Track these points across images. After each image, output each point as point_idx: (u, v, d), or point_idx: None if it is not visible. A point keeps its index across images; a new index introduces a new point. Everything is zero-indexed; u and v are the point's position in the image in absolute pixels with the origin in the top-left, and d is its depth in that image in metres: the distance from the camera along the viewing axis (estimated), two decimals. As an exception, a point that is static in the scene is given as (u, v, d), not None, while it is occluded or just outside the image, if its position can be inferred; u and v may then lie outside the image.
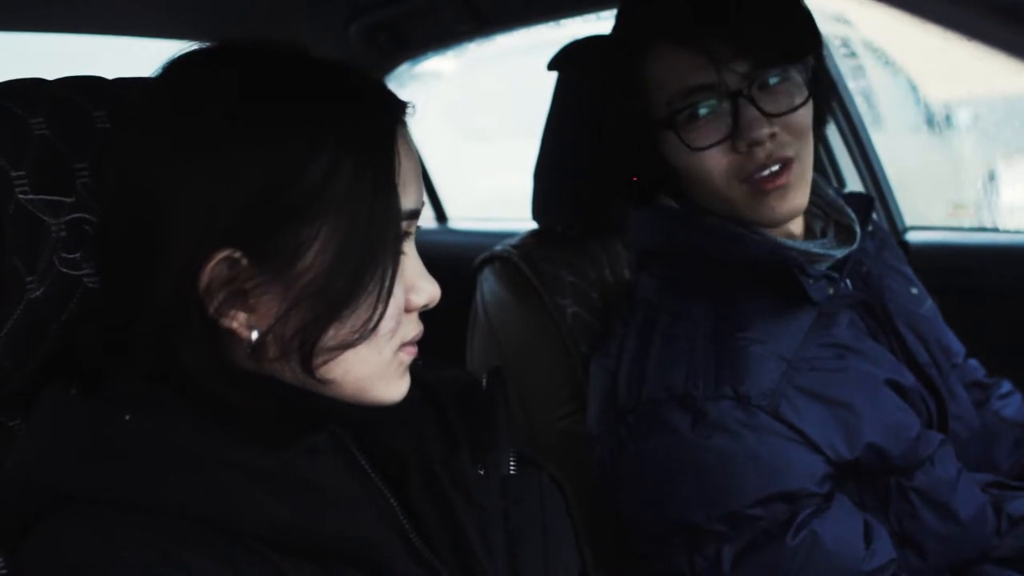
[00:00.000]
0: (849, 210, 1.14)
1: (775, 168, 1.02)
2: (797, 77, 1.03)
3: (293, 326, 0.65)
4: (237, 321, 0.65)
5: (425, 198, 0.73)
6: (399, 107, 0.70)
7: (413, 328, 0.72)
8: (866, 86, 2.06)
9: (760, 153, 1.01)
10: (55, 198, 0.68)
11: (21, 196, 0.66)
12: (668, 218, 1.13)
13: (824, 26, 1.10)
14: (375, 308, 0.66)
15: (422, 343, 0.73)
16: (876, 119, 2.00)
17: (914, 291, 1.23)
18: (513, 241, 1.35)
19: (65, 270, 0.69)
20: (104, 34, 1.72)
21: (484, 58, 2.91)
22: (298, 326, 0.65)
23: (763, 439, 0.98)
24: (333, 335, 0.66)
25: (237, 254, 0.64)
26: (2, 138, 0.67)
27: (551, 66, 1.31)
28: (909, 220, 1.88)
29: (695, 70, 1.01)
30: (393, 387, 0.71)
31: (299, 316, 0.65)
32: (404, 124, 0.71)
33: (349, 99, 0.67)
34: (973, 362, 1.29)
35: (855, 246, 1.11)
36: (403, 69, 2.09)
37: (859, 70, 2.06)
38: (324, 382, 0.68)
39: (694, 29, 1.00)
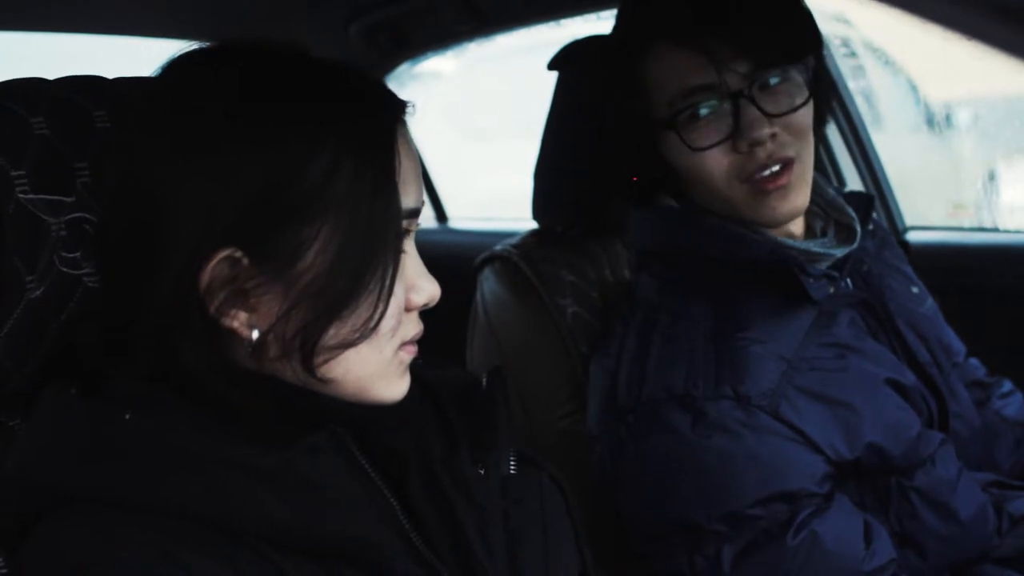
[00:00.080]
0: (849, 209, 1.14)
1: (776, 168, 1.02)
2: (797, 77, 1.03)
3: (294, 325, 0.65)
4: (238, 321, 0.65)
5: (425, 197, 0.73)
6: (399, 107, 0.70)
7: (413, 327, 0.72)
8: (866, 86, 2.06)
9: (761, 153, 1.02)
10: (55, 198, 0.68)
11: (21, 196, 0.66)
12: (668, 218, 1.13)
13: (824, 26, 1.10)
14: (376, 307, 0.66)
15: (422, 342, 0.73)
16: (876, 119, 2.00)
17: (915, 290, 1.23)
18: (513, 241, 1.35)
19: (65, 270, 0.68)
20: (104, 34, 1.72)
21: (484, 58, 2.91)
22: (299, 325, 0.65)
23: (763, 439, 0.98)
24: (334, 334, 0.66)
25: (238, 254, 0.64)
26: (2, 138, 0.67)
27: (551, 66, 1.31)
28: (909, 220, 1.88)
29: (695, 70, 1.01)
30: (394, 386, 0.71)
31: (300, 315, 0.65)
32: (404, 124, 0.71)
33: (349, 99, 0.67)
34: (974, 361, 1.29)
35: (855, 245, 1.10)
36: (403, 69, 2.08)
37: (859, 70, 2.06)
38: (325, 381, 0.68)
39: (694, 29, 1.00)
